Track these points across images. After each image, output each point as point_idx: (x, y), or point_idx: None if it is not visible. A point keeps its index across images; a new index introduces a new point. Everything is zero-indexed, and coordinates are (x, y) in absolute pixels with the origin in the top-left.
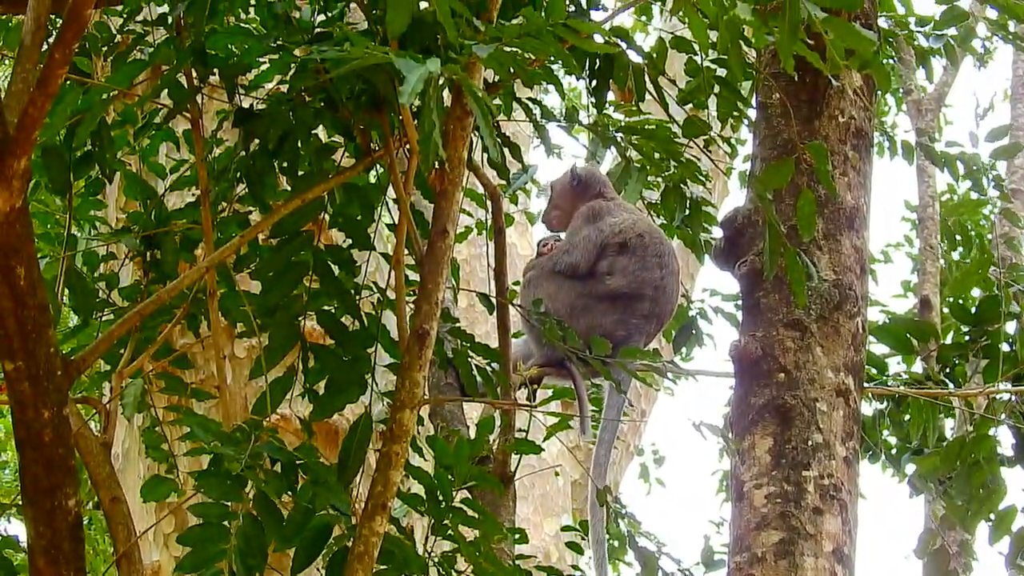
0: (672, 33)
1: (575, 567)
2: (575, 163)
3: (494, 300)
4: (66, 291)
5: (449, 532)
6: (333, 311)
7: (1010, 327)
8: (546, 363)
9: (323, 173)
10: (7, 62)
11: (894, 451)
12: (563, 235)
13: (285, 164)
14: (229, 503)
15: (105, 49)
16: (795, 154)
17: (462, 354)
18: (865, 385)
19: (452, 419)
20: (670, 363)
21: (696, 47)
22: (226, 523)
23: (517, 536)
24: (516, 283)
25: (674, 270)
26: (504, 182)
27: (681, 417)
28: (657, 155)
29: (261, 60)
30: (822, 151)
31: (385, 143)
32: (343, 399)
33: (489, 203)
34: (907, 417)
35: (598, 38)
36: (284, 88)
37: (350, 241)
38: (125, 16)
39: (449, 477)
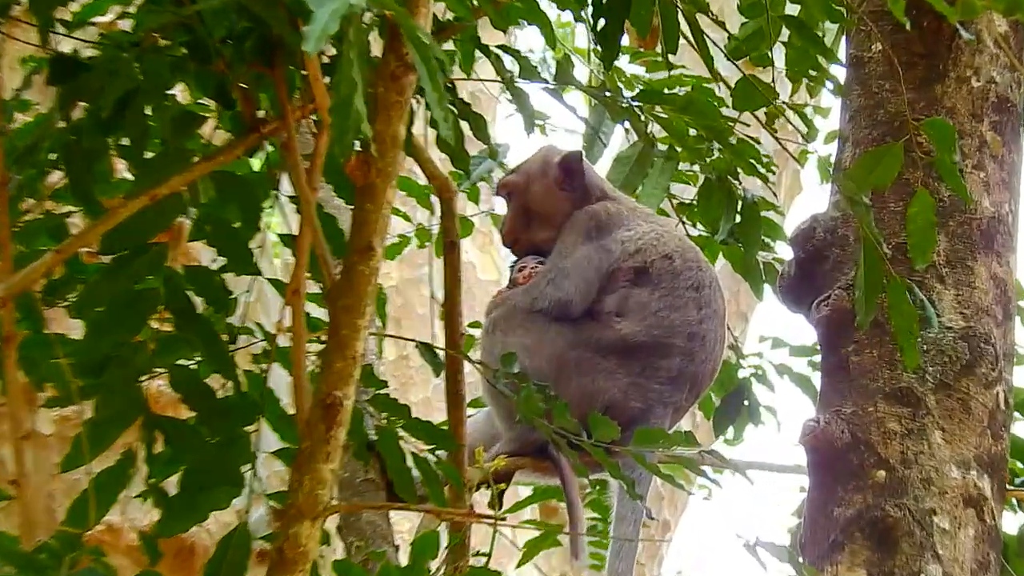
0: None
1: None
2: (552, 147)
3: (441, 353)
4: None
5: None
6: (194, 367)
7: None
8: (520, 450)
9: (183, 156)
10: None
11: None
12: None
13: (126, 141)
14: None
15: None
16: (905, 136)
17: (390, 435)
18: (1009, 488)
19: (374, 535)
20: (709, 452)
21: None
22: None
23: None
24: (475, 325)
25: (718, 310)
26: (460, 171)
27: (724, 533)
28: (694, 133)
29: None
30: (947, 132)
31: (281, 112)
32: (207, 503)
33: (437, 203)
34: None
35: None
36: (127, 26)
37: (223, 261)
38: None
39: None
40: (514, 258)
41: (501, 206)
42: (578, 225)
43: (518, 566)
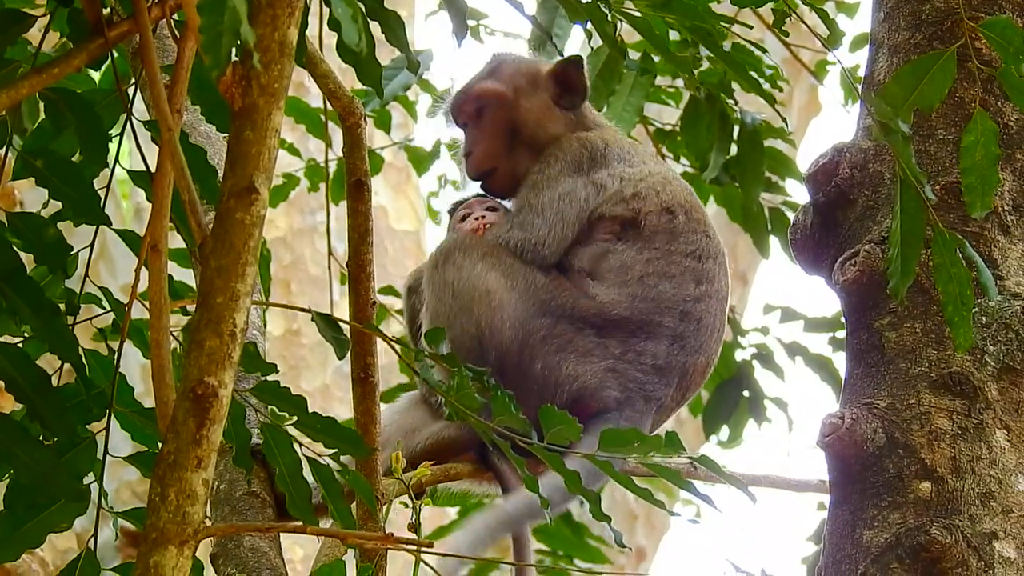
0: None
1: None
2: (526, 58)
3: (345, 327)
4: None
5: None
6: (21, 344)
7: None
8: (452, 450)
9: (5, 68)
10: None
11: None
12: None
13: None
14: None
15: None
16: (959, 40)
17: (281, 436)
18: None
19: (259, 566)
20: (699, 460)
21: None
22: None
23: None
24: (390, 291)
25: (721, 290)
26: (369, 87)
27: (716, 564)
28: (677, 37)
29: None
30: (1013, 35)
31: (134, 10)
32: (40, 524)
33: (337, 131)
34: None
35: None
36: None
37: (58, 206)
38: None
39: None
40: (455, 201)
41: (434, 131)
42: (566, 153)
43: None
